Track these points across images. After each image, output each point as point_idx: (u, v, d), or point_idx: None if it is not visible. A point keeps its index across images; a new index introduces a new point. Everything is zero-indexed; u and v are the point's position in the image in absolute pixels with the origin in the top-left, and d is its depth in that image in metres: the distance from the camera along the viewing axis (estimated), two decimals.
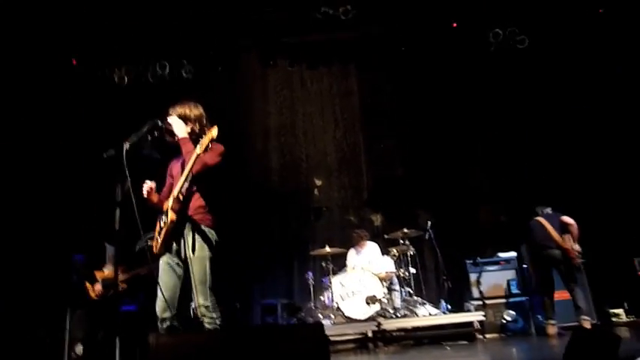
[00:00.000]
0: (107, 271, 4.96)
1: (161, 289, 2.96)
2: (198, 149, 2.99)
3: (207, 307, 2.93)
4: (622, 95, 6.70)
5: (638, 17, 6.54)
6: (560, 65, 6.97)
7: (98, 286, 4.89)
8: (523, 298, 5.94)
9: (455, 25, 7.23)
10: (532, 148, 6.97)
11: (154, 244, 3.07)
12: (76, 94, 6.96)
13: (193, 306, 2.96)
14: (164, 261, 3.09)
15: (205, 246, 3.04)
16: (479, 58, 7.20)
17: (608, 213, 6.30)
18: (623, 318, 5.79)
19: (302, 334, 2.16)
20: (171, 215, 3.01)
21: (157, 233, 3.08)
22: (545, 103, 7.01)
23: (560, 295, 5.59)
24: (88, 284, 4.90)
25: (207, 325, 2.90)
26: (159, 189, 3.23)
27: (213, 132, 3.01)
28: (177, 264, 3.08)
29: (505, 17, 7.06)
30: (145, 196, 3.12)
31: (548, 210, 5.66)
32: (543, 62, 7.05)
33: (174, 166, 3.32)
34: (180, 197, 3.05)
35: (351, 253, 6.65)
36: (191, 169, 3.02)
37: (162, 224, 3.07)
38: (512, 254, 6.25)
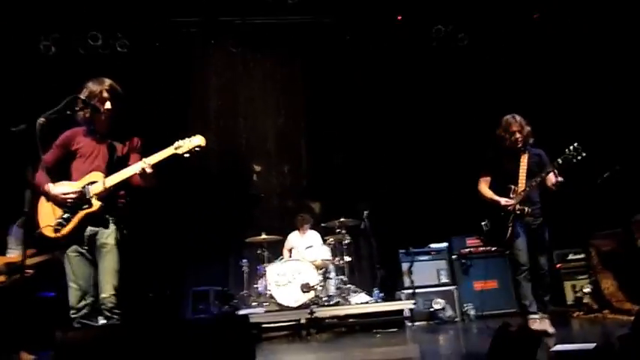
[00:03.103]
0: (12, 255, 4.49)
1: (74, 279, 2.79)
2: (180, 150, 2.96)
3: (117, 297, 2.79)
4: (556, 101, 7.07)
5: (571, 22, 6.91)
6: (498, 66, 7.23)
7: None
8: (452, 287, 6.18)
9: (400, 18, 7.31)
10: (470, 142, 7.18)
11: (52, 228, 2.83)
12: None
13: (103, 296, 2.79)
14: (74, 248, 2.89)
15: (123, 233, 2.93)
16: (421, 52, 7.32)
17: None
18: None
19: (226, 327, 2.08)
20: (97, 204, 2.86)
21: (60, 218, 2.86)
22: (484, 99, 7.26)
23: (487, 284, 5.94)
24: None
25: (108, 314, 2.77)
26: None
27: (202, 142, 2.97)
28: (87, 251, 2.91)
29: (448, 15, 7.22)
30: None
31: None
32: (482, 62, 7.29)
33: (81, 140, 3.04)
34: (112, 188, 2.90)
35: (293, 236, 6.64)
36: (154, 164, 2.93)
37: (74, 209, 2.86)
38: (444, 245, 6.47)
